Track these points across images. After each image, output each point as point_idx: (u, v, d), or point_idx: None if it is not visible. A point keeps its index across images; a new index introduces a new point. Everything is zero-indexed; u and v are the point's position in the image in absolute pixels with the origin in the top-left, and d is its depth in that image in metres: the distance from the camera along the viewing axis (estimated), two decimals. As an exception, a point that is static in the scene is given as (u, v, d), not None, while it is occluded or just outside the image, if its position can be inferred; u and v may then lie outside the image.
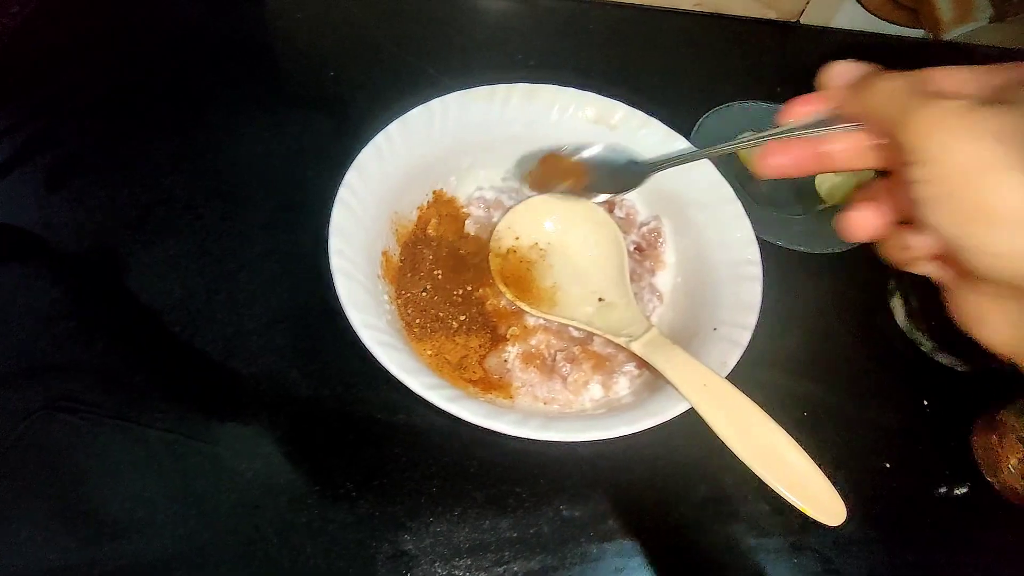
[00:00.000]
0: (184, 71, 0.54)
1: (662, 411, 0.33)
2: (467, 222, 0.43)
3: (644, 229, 0.44)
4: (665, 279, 0.44)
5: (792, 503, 0.28)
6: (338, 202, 0.36)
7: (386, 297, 0.38)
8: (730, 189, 0.41)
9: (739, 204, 0.40)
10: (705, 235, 0.41)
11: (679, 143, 0.43)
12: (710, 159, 0.41)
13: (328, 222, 0.36)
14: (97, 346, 0.40)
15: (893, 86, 0.22)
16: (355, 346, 0.41)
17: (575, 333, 0.40)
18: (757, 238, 0.40)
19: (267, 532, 0.35)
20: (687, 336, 0.38)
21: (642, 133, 0.43)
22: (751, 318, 0.36)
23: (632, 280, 0.41)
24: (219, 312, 0.42)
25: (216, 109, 0.52)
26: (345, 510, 0.36)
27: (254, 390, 0.39)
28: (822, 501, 0.28)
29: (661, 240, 0.44)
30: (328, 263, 0.35)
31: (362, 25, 0.59)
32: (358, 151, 0.39)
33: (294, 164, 0.49)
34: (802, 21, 0.66)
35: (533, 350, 0.39)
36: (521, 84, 0.43)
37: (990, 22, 0.65)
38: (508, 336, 0.39)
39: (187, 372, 0.39)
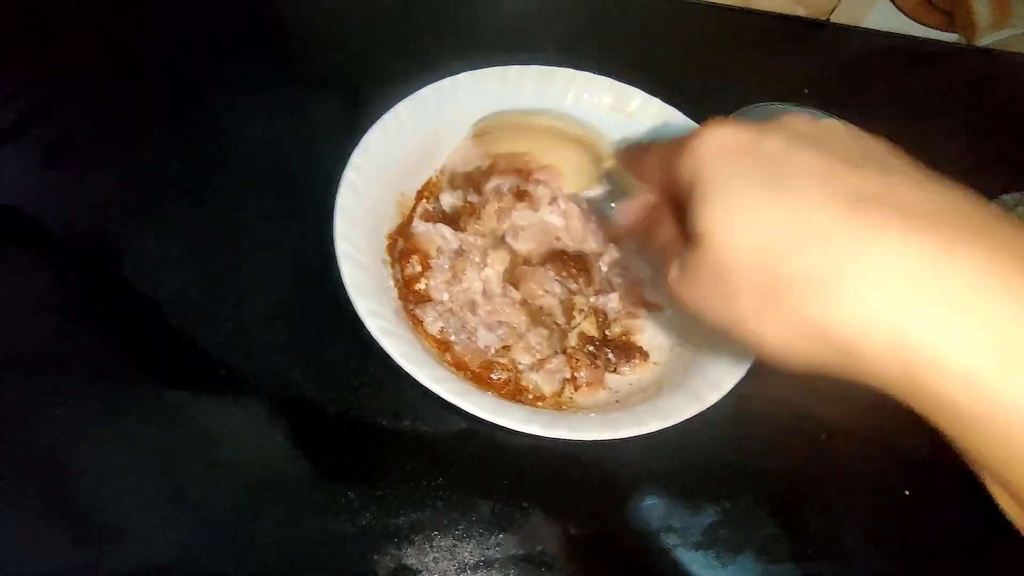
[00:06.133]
0: (186, 45, 0.51)
1: (673, 413, 0.32)
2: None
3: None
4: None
5: None
6: (344, 183, 0.35)
7: (391, 283, 0.37)
8: None
9: None
10: None
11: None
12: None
13: (333, 207, 0.34)
14: (90, 338, 0.38)
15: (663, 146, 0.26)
16: (360, 346, 0.39)
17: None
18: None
19: (265, 542, 0.33)
20: (682, 360, 0.36)
21: (659, 122, 0.42)
22: (729, 382, 0.33)
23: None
24: (220, 305, 0.40)
25: (219, 87, 0.49)
26: (346, 521, 0.34)
27: (255, 390, 0.37)
28: None
29: None
30: (332, 252, 0.33)
31: (379, 4, 0.56)
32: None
33: (301, 150, 0.47)
34: (832, 19, 0.63)
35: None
36: (535, 66, 0.42)
37: (1027, 29, 0.63)
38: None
39: (185, 368, 0.38)
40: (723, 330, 0.22)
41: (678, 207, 0.25)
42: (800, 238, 0.19)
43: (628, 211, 0.29)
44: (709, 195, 0.21)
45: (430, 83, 0.41)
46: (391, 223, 0.38)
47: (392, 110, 0.38)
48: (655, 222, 0.28)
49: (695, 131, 0.23)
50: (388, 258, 0.37)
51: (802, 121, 0.22)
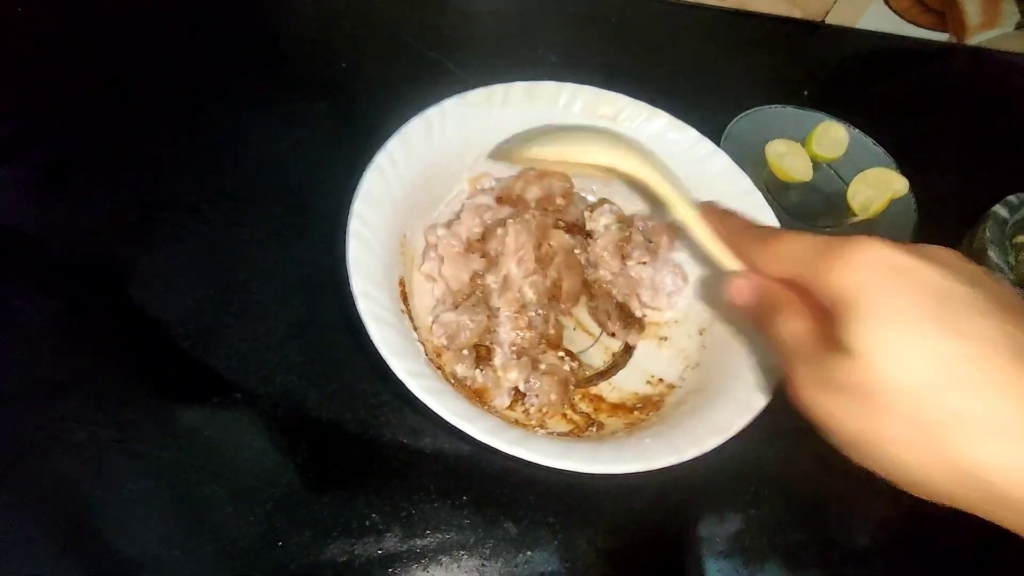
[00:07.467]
0: (186, 60, 0.50)
1: (705, 440, 0.32)
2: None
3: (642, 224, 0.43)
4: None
5: None
6: (352, 236, 0.33)
7: (414, 334, 0.36)
8: None
9: None
10: None
11: (687, 133, 0.41)
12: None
13: (343, 232, 0.33)
14: (100, 363, 0.37)
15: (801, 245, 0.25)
16: (376, 366, 0.39)
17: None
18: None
19: (290, 570, 0.33)
20: (707, 378, 0.36)
21: (647, 126, 0.42)
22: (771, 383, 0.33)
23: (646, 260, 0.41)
24: (231, 325, 0.39)
25: (221, 102, 0.48)
26: (371, 544, 0.34)
27: (272, 412, 0.37)
28: None
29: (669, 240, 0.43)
30: (343, 268, 0.32)
31: (378, 14, 0.55)
32: (371, 152, 0.36)
33: (305, 163, 0.46)
34: (827, 21, 0.64)
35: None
36: (518, 83, 0.41)
37: (1016, 28, 0.64)
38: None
39: (199, 391, 0.37)
40: (849, 445, 0.23)
41: (810, 305, 0.24)
42: (965, 379, 0.20)
43: (743, 290, 0.28)
44: (871, 316, 0.21)
45: (430, 93, 0.39)
46: (399, 268, 0.37)
47: (383, 150, 0.36)
48: (773, 310, 0.26)
49: (845, 241, 0.23)
50: (404, 307, 0.36)
51: (951, 255, 0.23)
